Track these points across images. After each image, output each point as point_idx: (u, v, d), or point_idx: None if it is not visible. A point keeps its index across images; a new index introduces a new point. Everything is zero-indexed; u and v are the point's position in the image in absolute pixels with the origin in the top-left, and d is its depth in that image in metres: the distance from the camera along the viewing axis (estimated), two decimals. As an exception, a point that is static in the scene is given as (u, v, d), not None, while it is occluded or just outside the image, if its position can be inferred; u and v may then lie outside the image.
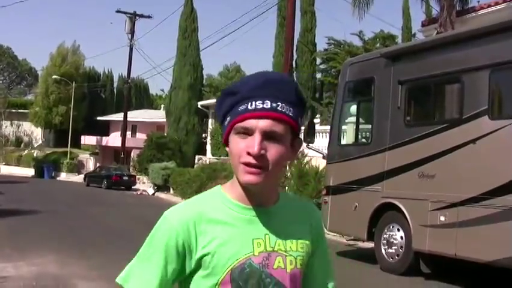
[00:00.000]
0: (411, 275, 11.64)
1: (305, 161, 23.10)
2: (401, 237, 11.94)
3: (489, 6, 21.73)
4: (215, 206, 2.01)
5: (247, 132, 1.92)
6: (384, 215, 12.41)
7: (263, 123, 1.92)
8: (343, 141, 14.77)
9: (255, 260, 1.98)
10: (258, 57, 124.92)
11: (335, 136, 14.45)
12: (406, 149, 12.00)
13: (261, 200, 2.03)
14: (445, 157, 11.05)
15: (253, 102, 1.94)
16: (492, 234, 10.01)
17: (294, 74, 28.21)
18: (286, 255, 2.04)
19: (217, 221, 1.98)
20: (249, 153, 1.90)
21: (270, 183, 1.99)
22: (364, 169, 13.06)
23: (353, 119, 14.41)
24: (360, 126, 14.22)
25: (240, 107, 1.96)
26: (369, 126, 13.48)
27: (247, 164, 1.92)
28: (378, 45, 26.95)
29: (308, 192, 21.89)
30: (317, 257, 2.21)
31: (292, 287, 2.04)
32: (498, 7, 20.97)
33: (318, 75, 30.50)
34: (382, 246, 12.35)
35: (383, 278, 11.88)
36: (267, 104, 1.93)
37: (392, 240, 12.11)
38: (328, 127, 20.49)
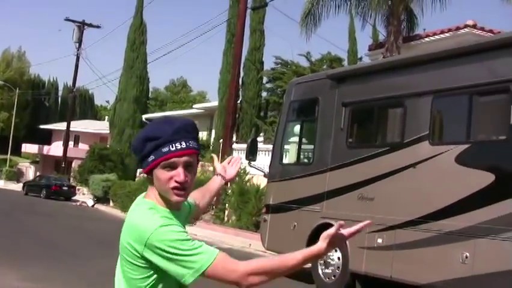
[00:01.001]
0: (347, 296, 11.67)
1: (247, 178, 23.09)
2: (338, 258, 11.97)
3: (434, 34, 22.12)
4: (166, 213, 2.74)
5: (172, 166, 2.69)
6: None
7: (184, 159, 2.70)
8: (285, 160, 14.78)
9: None
10: (205, 72, 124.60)
11: (277, 155, 14.44)
12: (347, 170, 12.06)
13: (178, 207, 2.83)
14: (385, 180, 11.14)
15: (174, 145, 2.69)
16: (427, 257, 10.11)
17: (240, 92, 28.19)
18: None
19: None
20: (176, 181, 2.69)
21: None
22: (304, 189, 13.07)
23: (296, 138, 14.44)
24: (303, 146, 14.24)
25: (164, 149, 2.68)
26: (312, 146, 13.51)
27: (175, 188, 2.70)
28: (325, 66, 27.17)
29: (248, 210, 21.88)
30: None
31: None
32: (443, 35, 21.36)
33: (264, 94, 30.52)
34: (319, 266, 12.36)
35: (319, 298, 11.88)
36: (183, 145, 2.70)
37: (329, 260, 12.12)
38: (271, 146, 20.57)
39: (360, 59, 28.95)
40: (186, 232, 2.66)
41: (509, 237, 8.96)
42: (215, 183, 3.58)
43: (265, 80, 30.23)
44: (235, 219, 22.86)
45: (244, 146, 23.75)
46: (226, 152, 24.88)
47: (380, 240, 10.88)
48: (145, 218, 2.66)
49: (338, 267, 11.94)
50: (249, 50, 29.26)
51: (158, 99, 70.48)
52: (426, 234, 10.10)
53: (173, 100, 71.02)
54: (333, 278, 12.04)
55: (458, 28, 21.29)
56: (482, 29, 20.89)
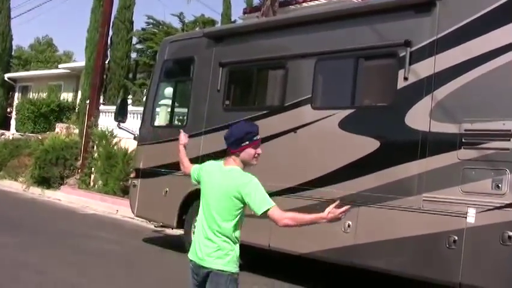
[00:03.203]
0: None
1: (114, 142, 22.14)
2: (213, 226, 11.42)
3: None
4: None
5: (256, 146, 4.98)
6: (196, 201, 11.84)
7: (260, 143, 5.04)
8: (157, 122, 14.00)
9: None
10: (71, 31, 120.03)
11: (148, 116, 13.63)
12: (223, 134, 11.44)
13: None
14: (264, 145, 10.41)
15: (258, 136, 5.01)
16: (307, 226, 9.69)
17: (109, 52, 26.94)
18: None
19: None
20: (258, 153, 5.02)
21: None
22: (177, 153, 12.38)
23: (169, 99, 13.71)
24: (176, 108, 13.52)
25: (254, 138, 4.97)
26: (186, 108, 12.81)
27: (257, 157, 5.01)
28: (197, 29, 26.38)
29: (115, 175, 21.02)
30: None
31: None
32: (321, 1, 21.08)
33: (134, 55, 29.31)
34: (192, 234, 11.77)
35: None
36: (259, 137, 5.04)
37: (203, 229, 11.55)
38: (140, 108, 19.67)
39: (234, 22, 28.33)
40: None
41: (393, 206, 8.68)
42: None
43: (135, 40, 29.01)
44: (102, 184, 21.88)
45: (112, 108, 22.74)
46: (92, 113, 23.74)
47: (257, 208, 10.40)
48: (248, 174, 4.93)
49: (213, 236, 11.39)
50: (118, 8, 27.86)
51: (22, 58, 67.31)
52: (307, 202, 9.69)
53: (38, 59, 67.84)
54: (207, 246, 11.48)
55: (337, -5, 21.06)
56: (360, -3, 20.72)
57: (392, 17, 9.28)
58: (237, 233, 5.00)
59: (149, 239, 14.20)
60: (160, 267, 11.08)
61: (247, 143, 4.93)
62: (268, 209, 4.79)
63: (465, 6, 8.51)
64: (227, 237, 4.92)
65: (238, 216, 4.97)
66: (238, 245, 5.01)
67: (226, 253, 4.91)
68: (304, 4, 21.82)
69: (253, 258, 10.96)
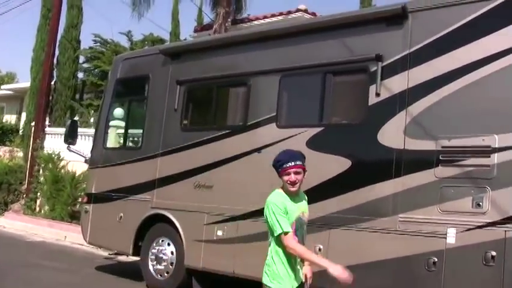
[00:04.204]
0: (182, 293, 10.58)
1: (61, 165, 21.36)
2: (172, 253, 10.86)
3: (265, 17, 21.48)
4: (285, 196, 5.50)
5: (288, 173, 5.43)
6: (153, 227, 11.26)
7: (293, 170, 5.44)
8: (109, 144, 13.38)
9: (300, 215, 5.60)
10: (14, 51, 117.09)
11: (100, 138, 12.98)
12: (181, 155, 10.96)
13: (293, 194, 5.54)
14: (226, 166, 10.16)
15: (288, 163, 5.43)
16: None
17: (55, 72, 26.17)
18: (304, 213, 5.69)
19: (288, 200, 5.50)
20: (290, 180, 5.44)
21: (299, 189, 5.60)
22: (132, 176, 11.82)
23: (123, 120, 13.12)
24: (131, 129, 12.93)
25: (284, 165, 5.44)
26: (141, 128, 12.22)
27: (290, 184, 5.46)
28: (146, 47, 25.89)
29: (63, 199, 20.24)
30: None
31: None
32: (275, 19, 20.71)
33: (80, 75, 28.65)
34: (150, 262, 11.16)
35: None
36: (292, 163, 5.44)
37: (161, 255, 10.97)
38: (88, 130, 19.04)
39: (184, 40, 27.90)
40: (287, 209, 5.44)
41: (367, 227, 8.26)
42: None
43: (82, 59, 28.36)
44: (49, 209, 21.06)
45: (58, 129, 22.05)
46: (38, 136, 22.91)
47: (220, 233, 9.92)
48: (272, 195, 5.53)
49: (172, 263, 10.84)
50: (65, 27, 27.11)
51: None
52: (274, 226, 9.20)
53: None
54: (166, 274, 10.91)
55: (289, 12, 20.77)
56: (313, 14, 20.40)
57: (361, 30, 8.89)
58: (274, 251, 5.54)
59: (102, 267, 13.52)
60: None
61: (279, 171, 5.49)
62: (279, 234, 5.38)
63: (438, 19, 8.17)
64: (268, 253, 5.63)
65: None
66: (274, 261, 5.58)
67: (266, 269, 5.67)
68: (256, 22, 21.46)
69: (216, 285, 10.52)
